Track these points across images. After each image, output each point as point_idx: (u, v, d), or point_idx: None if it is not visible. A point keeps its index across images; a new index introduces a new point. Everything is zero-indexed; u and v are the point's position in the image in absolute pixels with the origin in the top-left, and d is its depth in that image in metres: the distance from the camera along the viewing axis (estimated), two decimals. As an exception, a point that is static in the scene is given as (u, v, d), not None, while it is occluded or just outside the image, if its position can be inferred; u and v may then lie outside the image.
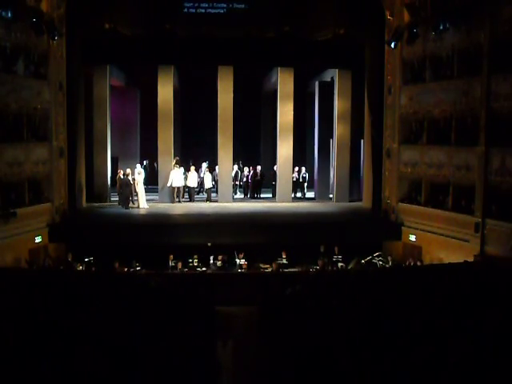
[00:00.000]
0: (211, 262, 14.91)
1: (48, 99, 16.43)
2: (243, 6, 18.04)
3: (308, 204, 20.96)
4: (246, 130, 23.58)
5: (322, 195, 21.78)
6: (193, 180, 20.75)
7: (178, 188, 20.43)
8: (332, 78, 21.28)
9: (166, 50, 19.05)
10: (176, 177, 20.11)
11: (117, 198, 19.84)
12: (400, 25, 16.99)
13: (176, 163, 20.40)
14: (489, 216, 14.32)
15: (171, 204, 20.11)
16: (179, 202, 20.42)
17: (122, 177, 19.23)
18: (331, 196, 21.59)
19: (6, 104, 14.82)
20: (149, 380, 6.04)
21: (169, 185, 20.07)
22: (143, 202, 19.17)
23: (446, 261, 14.40)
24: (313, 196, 22.54)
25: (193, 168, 20.80)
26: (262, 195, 22.24)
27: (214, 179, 21.72)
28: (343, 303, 8.54)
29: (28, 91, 15.62)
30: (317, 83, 21.58)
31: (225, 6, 18.00)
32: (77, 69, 17.76)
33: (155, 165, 22.57)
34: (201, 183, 21.63)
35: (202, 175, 22.11)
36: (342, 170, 20.92)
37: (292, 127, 20.72)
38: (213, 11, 17.99)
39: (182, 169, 20.58)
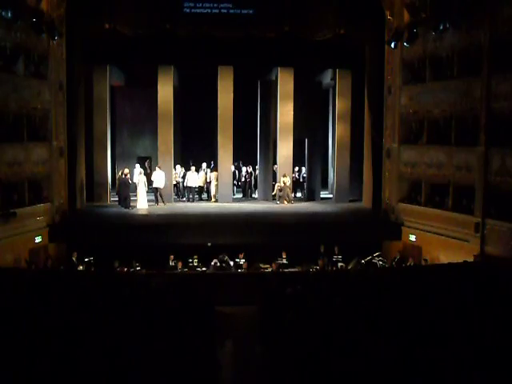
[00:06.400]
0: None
1: (48, 99, 16.41)
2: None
3: (308, 204, 20.95)
4: (245, 129, 23.51)
5: (265, 195, 21.48)
6: (192, 180, 20.73)
7: (157, 189, 19.74)
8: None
9: (166, 50, 19.03)
10: (157, 178, 19.62)
11: (117, 198, 19.82)
12: (400, 25, 16.99)
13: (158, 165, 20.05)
14: (489, 216, 14.31)
15: (171, 204, 20.07)
16: (163, 203, 19.61)
17: (122, 176, 19.20)
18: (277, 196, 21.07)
19: (5, 104, 14.81)
20: (149, 380, 6.04)
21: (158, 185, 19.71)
22: (143, 203, 19.07)
23: (446, 261, 14.39)
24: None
25: (193, 168, 20.78)
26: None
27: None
28: (343, 303, 8.54)
29: (28, 91, 15.61)
30: (258, 82, 21.32)
31: (226, 6, 18.00)
32: (77, 69, 17.76)
33: (146, 165, 22.45)
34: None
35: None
36: (341, 169, 20.94)
37: (292, 127, 20.73)
38: (214, 11, 17.97)
39: (161, 171, 19.78)
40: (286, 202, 20.24)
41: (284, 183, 20.28)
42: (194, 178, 20.76)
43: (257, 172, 22.11)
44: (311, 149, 21.99)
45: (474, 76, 14.76)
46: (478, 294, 9.20)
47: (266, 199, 21.27)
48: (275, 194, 20.80)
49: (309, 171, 22.13)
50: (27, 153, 15.67)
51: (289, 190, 20.39)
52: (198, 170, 20.97)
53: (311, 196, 21.95)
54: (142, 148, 23.54)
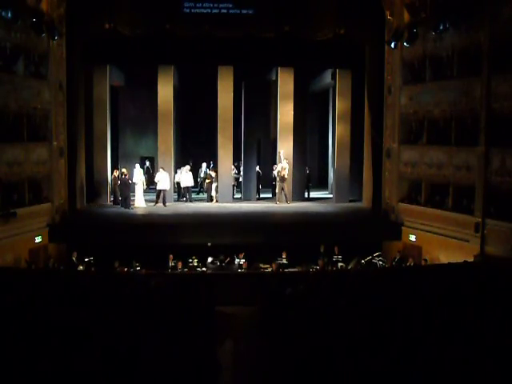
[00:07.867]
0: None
1: (48, 99, 16.42)
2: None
3: (308, 204, 20.95)
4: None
5: (249, 195, 21.41)
6: (189, 180, 20.71)
7: (161, 191, 19.65)
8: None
9: (166, 50, 19.04)
10: (161, 179, 19.51)
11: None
12: (400, 25, 16.99)
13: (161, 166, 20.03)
14: (489, 216, 14.31)
15: (171, 204, 20.07)
16: (164, 204, 19.45)
17: (119, 177, 19.17)
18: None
19: (5, 104, 14.82)
20: (149, 380, 6.04)
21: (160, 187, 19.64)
22: (140, 202, 19.22)
23: (446, 261, 14.39)
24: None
25: (188, 167, 20.76)
26: (261, 195, 22.17)
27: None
28: (343, 303, 8.54)
29: (28, 91, 15.61)
30: (243, 83, 21.18)
31: (226, 6, 18.00)
32: (77, 69, 17.78)
33: (147, 165, 22.46)
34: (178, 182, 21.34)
35: (202, 175, 22.14)
36: (341, 169, 20.93)
37: (292, 127, 20.72)
38: (214, 11, 17.98)
39: (165, 172, 19.73)
40: (283, 200, 20.12)
41: (283, 168, 19.87)
42: (188, 178, 20.74)
43: (239, 172, 22.03)
44: (297, 149, 21.81)
45: (474, 76, 14.77)
46: (478, 293, 9.20)
47: (248, 199, 21.07)
48: (277, 174, 20.39)
49: (293, 171, 21.88)
50: (27, 153, 15.68)
51: (287, 189, 20.29)
52: (192, 170, 20.96)
53: (298, 196, 21.63)
54: (144, 148, 23.69)
